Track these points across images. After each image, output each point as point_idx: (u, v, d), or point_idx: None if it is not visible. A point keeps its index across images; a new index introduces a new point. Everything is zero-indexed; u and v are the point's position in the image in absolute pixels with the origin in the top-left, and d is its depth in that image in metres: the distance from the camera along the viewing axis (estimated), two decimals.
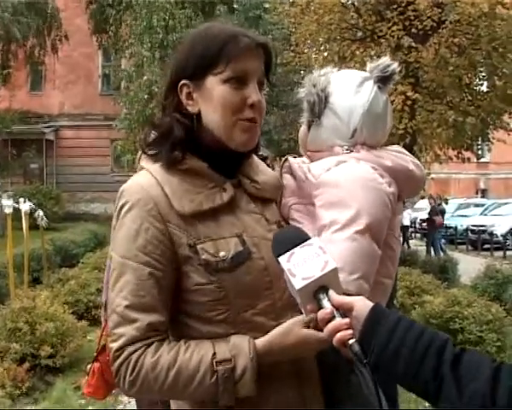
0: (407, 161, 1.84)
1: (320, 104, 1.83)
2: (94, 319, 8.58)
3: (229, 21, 1.70)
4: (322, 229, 1.66)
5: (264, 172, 1.80)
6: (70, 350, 6.69)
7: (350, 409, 1.70)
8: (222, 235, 1.58)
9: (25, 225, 9.45)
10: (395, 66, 1.86)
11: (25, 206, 9.42)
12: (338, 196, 1.66)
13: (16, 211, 9.36)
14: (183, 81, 1.63)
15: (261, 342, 1.53)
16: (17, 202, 9.59)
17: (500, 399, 1.19)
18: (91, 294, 8.87)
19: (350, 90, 1.84)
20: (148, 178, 1.61)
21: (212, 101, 1.60)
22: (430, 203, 21.71)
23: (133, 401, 5.77)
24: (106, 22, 25.37)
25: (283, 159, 1.87)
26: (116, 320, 1.54)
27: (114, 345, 1.52)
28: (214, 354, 1.50)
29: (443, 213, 21.99)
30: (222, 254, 1.55)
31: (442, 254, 19.10)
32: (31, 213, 9.89)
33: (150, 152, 1.66)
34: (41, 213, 10.34)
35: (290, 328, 1.52)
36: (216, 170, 1.64)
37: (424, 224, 27.61)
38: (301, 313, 1.55)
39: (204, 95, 1.61)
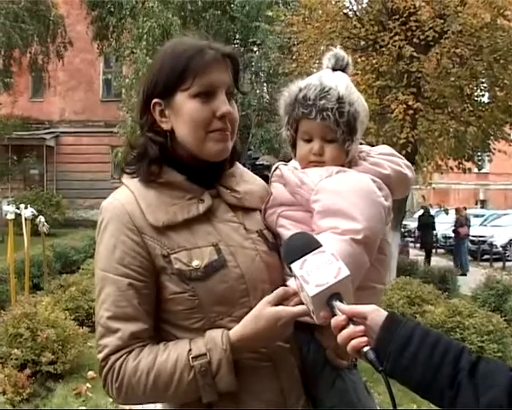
0: (401, 165, 1.83)
1: (355, 122, 1.78)
2: (95, 325, 8.56)
3: (199, 34, 1.72)
4: (319, 234, 1.64)
5: (248, 181, 1.84)
6: (71, 357, 6.66)
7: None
8: (197, 244, 1.62)
9: (26, 231, 9.44)
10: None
11: (26, 212, 9.41)
12: (339, 204, 1.65)
13: (16, 217, 9.35)
14: (154, 100, 1.67)
15: (235, 332, 1.56)
16: (18, 208, 9.58)
17: None
18: (92, 300, 8.79)
19: (360, 97, 1.83)
20: (125, 193, 1.68)
21: (182, 117, 1.64)
22: (456, 215, 21.60)
23: (134, 408, 5.77)
24: (107, 29, 25.41)
25: (274, 167, 1.86)
26: (101, 332, 1.60)
27: (100, 356, 1.59)
28: (190, 350, 1.54)
29: (468, 223, 21.78)
30: (195, 263, 1.59)
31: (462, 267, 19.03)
32: (31, 220, 9.88)
33: (128, 170, 1.72)
34: (42, 219, 10.32)
35: (259, 310, 1.55)
36: (194, 182, 1.68)
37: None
38: None
39: (175, 111, 1.65)
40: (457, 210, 21.93)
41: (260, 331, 1.54)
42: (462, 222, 20.93)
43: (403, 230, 22.39)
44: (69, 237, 17.26)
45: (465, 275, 17.53)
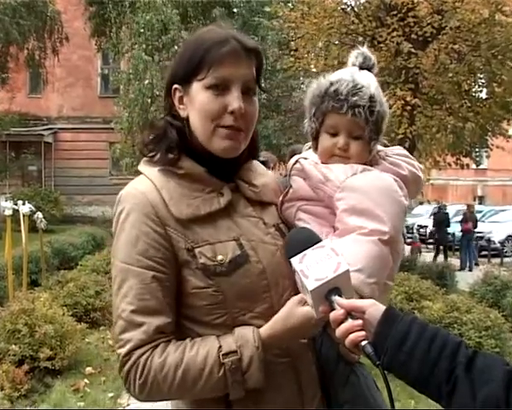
0: (415, 166, 1.84)
1: (382, 122, 1.79)
2: (93, 321, 8.60)
3: (228, 24, 1.71)
4: (344, 232, 1.65)
5: (262, 175, 1.82)
6: (69, 352, 6.64)
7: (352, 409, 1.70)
8: (219, 239, 1.59)
9: (24, 227, 9.43)
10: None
11: (24, 208, 9.40)
12: (365, 204, 1.65)
13: (14, 213, 9.34)
14: (175, 85, 1.66)
15: (265, 329, 1.56)
16: (15, 205, 9.57)
17: None
18: (90, 296, 8.83)
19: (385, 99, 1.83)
20: (145, 182, 1.63)
21: (195, 107, 1.62)
22: (466, 211, 21.77)
23: (132, 405, 5.77)
24: (105, 25, 25.38)
25: (293, 160, 1.83)
26: (122, 326, 1.55)
27: (122, 350, 1.54)
28: (220, 347, 1.52)
29: (475, 220, 21.93)
30: (220, 257, 1.56)
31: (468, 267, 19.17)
32: (29, 216, 9.87)
33: (148, 154, 1.69)
34: (40, 215, 10.30)
35: (290, 309, 1.54)
36: (213, 174, 1.65)
37: (422, 230, 27.75)
38: None
39: (190, 100, 1.63)
40: (469, 206, 22.30)
41: (290, 330, 1.54)
42: (466, 218, 21.10)
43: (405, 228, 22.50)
44: (67, 233, 17.23)
45: (463, 270, 17.59)
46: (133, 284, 1.54)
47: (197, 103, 1.61)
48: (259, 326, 1.57)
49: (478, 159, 17.44)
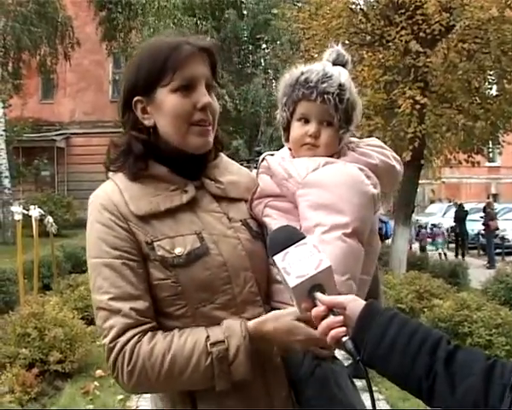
0: (389, 156, 1.85)
1: (352, 111, 1.82)
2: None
3: (176, 33, 1.78)
4: (307, 230, 1.65)
5: (233, 172, 1.86)
6: (79, 355, 6.70)
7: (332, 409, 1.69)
8: (180, 233, 1.65)
9: (34, 231, 9.48)
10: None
11: (34, 212, 9.46)
12: (325, 198, 1.66)
13: (26, 218, 9.41)
14: (136, 98, 1.71)
15: (252, 323, 1.58)
16: (27, 209, 9.63)
17: (493, 397, 1.18)
18: None
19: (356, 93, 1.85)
20: (110, 186, 1.73)
21: (164, 112, 1.67)
22: (485, 210, 21.94)
23: (141, 407, 5.79)
24: (115, 29, 25.50)
25: (261, 158, 1.87)
26: (103, 315, 1.59)
27: (106, 339, 1.58)
28: (208, 336, 1.56)
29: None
30: (178, 250, 1.61)
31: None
32: (41, 220, 9.93)
33: (113, 168, 1.76)
34: (50, 219, 10.36)
35: (282, 316, 1.56)
36: (179, 174, 1.71)
37: (435, 228, 27.58)
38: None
39: (156, 107, 1.69)
40: (488, 204, 22.47)
41: (276, 332, 1.55)
42: (492, 216, 21.16)
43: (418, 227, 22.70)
44: (79, 237, 17.30)
45: (494, 268, 17.45)
46: (106, 274, 1.60)
47: (166, 108, 1.67)
48: (221, 317, 1.61)
49: (491, 156, 17.33)
